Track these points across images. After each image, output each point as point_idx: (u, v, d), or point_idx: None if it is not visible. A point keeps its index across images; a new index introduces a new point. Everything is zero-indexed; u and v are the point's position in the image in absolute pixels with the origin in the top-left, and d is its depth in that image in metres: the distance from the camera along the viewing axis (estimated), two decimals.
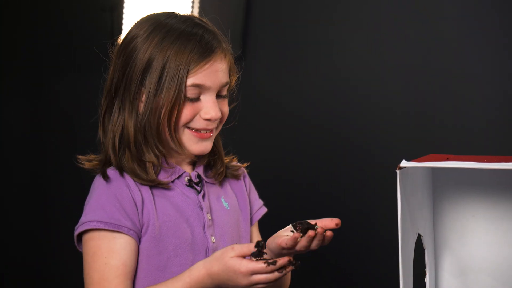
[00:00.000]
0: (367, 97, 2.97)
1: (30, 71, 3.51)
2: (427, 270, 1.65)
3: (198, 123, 1.61)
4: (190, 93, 1.59)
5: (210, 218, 1.65)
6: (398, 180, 1.45)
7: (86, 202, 1.60)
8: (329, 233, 1.51)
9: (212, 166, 1.71)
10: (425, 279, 1.65)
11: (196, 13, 3.04)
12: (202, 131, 1.62)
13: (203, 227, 1.64)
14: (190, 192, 1.65)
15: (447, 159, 1.45)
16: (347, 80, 3.01)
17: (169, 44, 1.58)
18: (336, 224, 1.55)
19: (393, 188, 1.49)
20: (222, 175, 1.71)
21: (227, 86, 1.64)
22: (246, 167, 1.79)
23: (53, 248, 3.48)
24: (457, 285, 1.67)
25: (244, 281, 1.47)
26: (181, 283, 1.52)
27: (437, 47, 2.83)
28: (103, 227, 1.54)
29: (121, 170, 1.60)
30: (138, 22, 1.64)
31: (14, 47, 3.51)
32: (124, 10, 3.06)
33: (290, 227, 1.56)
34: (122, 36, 1.66)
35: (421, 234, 1.60)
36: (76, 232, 1.58)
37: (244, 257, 1.48)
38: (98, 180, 1.61)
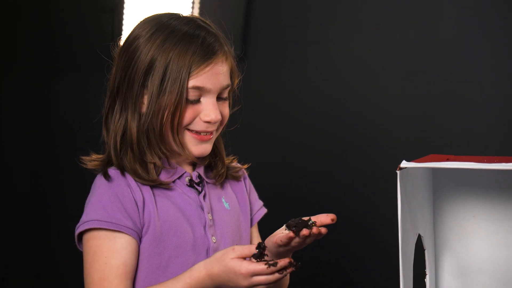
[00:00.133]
0: (367, 98, 2.97)
1: (30, 71, 3.51)
2: (427, 271, 1.65)
3: (198, 125, 1.61)
4: (191, 95, 1.59)
5: (211, 218, 1.65)
6: (398, 181, 1.45)
7: (87, 201, 1.60)
8: (323, 230, 1.51)
9: (213, 167, 1.72)
10: (425, 279, 1.65)
11: (196, 13, 3.04)
12: (202, 133, 1.62)
13: (204, 227, 1.64)
14: (191, 192, 1.66)
15: (447, 160, 1.45)
16: (348, 81, 3.01)
17: (171, 46, 1.58)
18: (332, 220, 1.54)
19: (393, 188, 1.49)
20: (223, 177, 1.71)
21: (228, 88, 1.64)
22: (247, 169, 1.80)
23: (53, 248, 3.48)
24: (457, 286, 1.67)
25: (245, 282, 1.47)
26: (182, 283, 1.52)
27: (437, 47, 2.83)
28: (104, 227, 1.55)
29: (122, 170, 1.61)
30: (141, 22, 1.65)
31: (14, 47, 3.51)
32: (124, 11, 3.07)
33: (284, 227, 1.56)
34: (124, 37, 1.66)
35: (421, 234, 1.60)
36: (77, 232, 1.58)
37: (244, 258, 1.48)
38: (99, 180, 1.61)
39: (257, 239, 1.79)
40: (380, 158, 2.90)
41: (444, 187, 1.66)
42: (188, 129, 1.61)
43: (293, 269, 1.48)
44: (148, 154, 1.61)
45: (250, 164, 1.79)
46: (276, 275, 1.46)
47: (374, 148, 2.94)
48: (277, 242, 1.51)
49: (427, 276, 1.65)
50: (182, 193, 1.64)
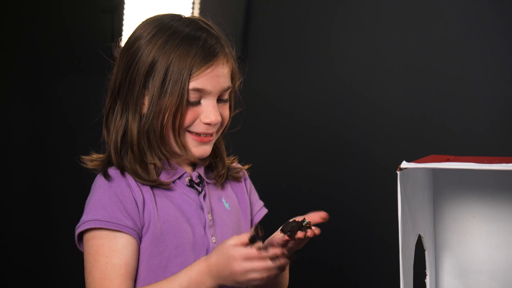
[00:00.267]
0: (368, 98, 2.97)
1: (31, 71, 3.51)
2: (428, 271, 1.65)
3: (198, 127, 1.61)
4: (191, 97, 1.59)
5: (211, 218, 1.65)
6: (399, 181, 1.45)
7: (87, 201, 1.60)
8: (317, 231, 1.52)
9: (213, 168, 1.72)
10: (425, 280, 1.65)
11: (196, 14, 3.04)
12: (202, 135, 1.62)
13: (204, 227, 1.64)
14: (191, 193, 1.66)
15: (448, 160, 1.45)
16: (348, 82, 3.01)
17: (173, 47, 1.58)
18: (323, 218, 1.55)
19: (393, 189, 1.49)
20: (223, 178, 1.71)
21: (229, 90, 1.64)
22: (247, 169, 1.80)
23: (53, 248, 3.48)
24: (458, 286, 1.67)
25: (238, 267, 1.47)
26: (182, 275, 1.52)
27: (437, 47, 2.83)
28: (104, 227, 1.55)
29: (122, 170, 1.61)
30: (142, 23, 1.65)
31: (15, 47, 3.51)
32: (125, 12, 3.07)
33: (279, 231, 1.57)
34: (125, 37, 1.66)
35: (422, 235, 1.60)
36: (77, 231, 1.58)
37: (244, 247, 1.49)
38: (100, 180, 1.61)
39: None
40: (380, 158, 2.90)
41: (444, 188, 1.66)
42: (189, 131, 1.61)
43: (287, 260, 1.48)
44: (148, 155, 1.61)
45: (250, 165, 1.79)
46: (269, 263, 1.46)
47: (374, 149, 2.95)
48: (274, 244, 1.52)
49: (427, 277, 1.65)
50: (182, 193, 1.64)
